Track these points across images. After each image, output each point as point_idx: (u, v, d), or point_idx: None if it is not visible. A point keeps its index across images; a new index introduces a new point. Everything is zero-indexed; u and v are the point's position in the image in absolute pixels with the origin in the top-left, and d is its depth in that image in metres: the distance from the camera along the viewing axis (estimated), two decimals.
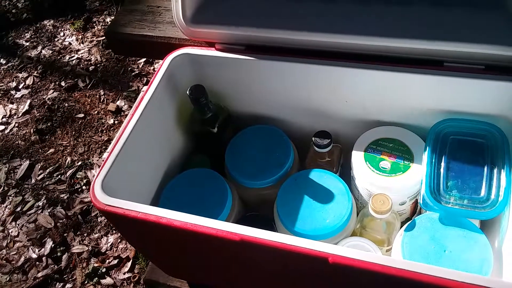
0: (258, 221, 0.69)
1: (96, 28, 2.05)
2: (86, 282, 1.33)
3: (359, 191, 0.75)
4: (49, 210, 1.50)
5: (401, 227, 0.68)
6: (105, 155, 0.65)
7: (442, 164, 0.68)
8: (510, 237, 0.61)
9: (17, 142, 1.70)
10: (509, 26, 0.64)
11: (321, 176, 0.74)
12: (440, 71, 0.68)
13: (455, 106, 0.71)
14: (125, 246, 1.40)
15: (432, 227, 0.65)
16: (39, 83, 1.89)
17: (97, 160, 1.60)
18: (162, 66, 0.75)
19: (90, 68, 1.90)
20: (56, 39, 2.05)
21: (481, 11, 0.67)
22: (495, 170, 0.66)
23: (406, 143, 0.74)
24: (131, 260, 1.36)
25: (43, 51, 2.01)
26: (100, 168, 0.63)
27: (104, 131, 1.68)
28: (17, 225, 1.49)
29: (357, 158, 0.74)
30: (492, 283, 0.47)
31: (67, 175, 1.58)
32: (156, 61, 1.86)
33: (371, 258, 0.50)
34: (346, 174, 0.79)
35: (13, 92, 1.88)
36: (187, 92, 0.73)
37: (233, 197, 0.75)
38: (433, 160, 0.68)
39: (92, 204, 1.47)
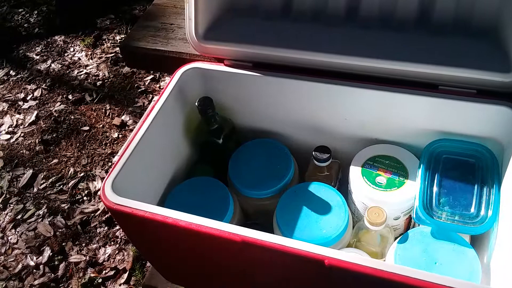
0: (257, 230, 0.72)
1: (105, 45, 2.12)
2: None
3: (356, 204, 0.79)
4: (49, 219, 1.52)
5: None
6: (116, 157, 0.68)
7: (435, 181, 0.72)
8: (498, 253, 0.64)
9: (21, 151, 1.74)
10: (499, 54, 0.69)
11: (319, 189, 0.77)
12: (435, 94, 0.72)
13: (449, 127, 0.75)
14: (122, 257, 1.41)
15: (424, 240, 0.68)
16: (47, 95, 1.94)
17: (100, 172, 1.63)
18: (174, 78, 0.79)
19: (98, 83, 1.95)
20: (66, 54, 2.11)
21: (473, 40, 0.72)
22: (485, 189, 0.69)
23: (401, 161, 0.78)
24: (127, 272, 1.37)
25: (52, 65, 2.07)
26: (111, 169, 0.66)
27: (108, 144, 1.71)
28: (16, 233, 1.50)
29: (355, 173, 0.78)
30: None
31: (69, 185, 1.60)
32: (162, 78, 1.92)
33: (364, 262, 0.53)
34: (343, 188, 0.82)
35: (21, 103, 1.92)
36: (196, 103, 0.78)
37: (235, 205, 0.78)
38: (427, 177, 0.72)
39: (91, 215, 1.51)
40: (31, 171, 1.66)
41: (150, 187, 0.76)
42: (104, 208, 1.51)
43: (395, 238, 0.72)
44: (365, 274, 0.53)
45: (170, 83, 0.78)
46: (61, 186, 1.60)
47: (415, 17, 0.76)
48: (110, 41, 2.13)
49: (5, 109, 1.91)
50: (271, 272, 0.64)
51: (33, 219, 1.53)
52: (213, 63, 0.82)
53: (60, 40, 2.18)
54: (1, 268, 1.41)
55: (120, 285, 1.34)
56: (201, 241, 0.62)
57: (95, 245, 1.44)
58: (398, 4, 0.76)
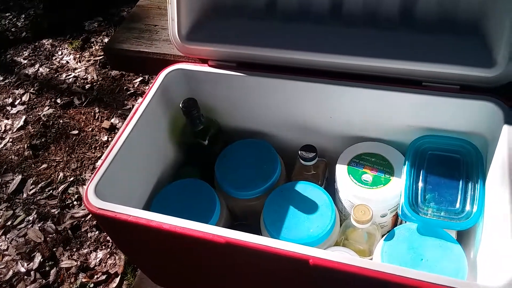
0: (245, 230, 0.71)
1: (93, 48, 2.10)
2: None
3: (343, 203, 0.79)
4: (39, 225, 1.51)
5: None
6: (99, 162, 0.68)
7: (421, 177, 0.72)
8: (484, 248, 0.64)
9: (10, 157, 1.72)
10: (482, 50, 0.69)
11: (306, 188, 0.77)
12: (419, 90, 0.72)
13: (433, 123, 0.75)
14: (114, 262, 1.40)
15: (410, 237, 0.68)
16: (35, 99, 1.92)
17: (90, 176, 1.62)
18: (157, 79, 0.78)
19: (86, 86, 1.94)
20: (54, 58, 2.10)
21: (457, 36, 0.72)
22: (470, 184, 0.69)
23: (387, 158, 0.78)
24: (119, 276, 1.36)
25: (40, 69, 2.05)
26: (94, 173, 0.66)
27: (98, 148, 1.70)
28: (6, 239, 1.49)
29: (341, 171, 0.78)
30: (465, 285, 0.50)
31: (59, 190, 1.59)
32: (151, 80, 1.91)
33: (349, 261, 0.53)
34: (330, 187, 0.82)
35: (9, 108, 1.91)
36: (180, 105, 0.77)
37: (221, 207, 0.77)
38: (412, 174, 0.72)
39: (82, 220, 1.49)
40: (20, 176, 1.64)
41: (136, 190, 0.76)
42: None
43: (383, 235, 0.72)
44: (350, 273, 0.52)
45: (153, 85, 0.78)
46: (51, 191, 1.59)
47: (399, 14, 0.76)
48: (98, 44, 2.12)
49: None
50: (257, 272, 0.63)
51: (23, 225, 1.52)
52: (197, 64, 0.82)
53: (47, 44, 2.17)
54: None
55: None
56: (186, 244, 0.61)
57: (86, 250, 1.43)
58: (382, 1, 0.76)
